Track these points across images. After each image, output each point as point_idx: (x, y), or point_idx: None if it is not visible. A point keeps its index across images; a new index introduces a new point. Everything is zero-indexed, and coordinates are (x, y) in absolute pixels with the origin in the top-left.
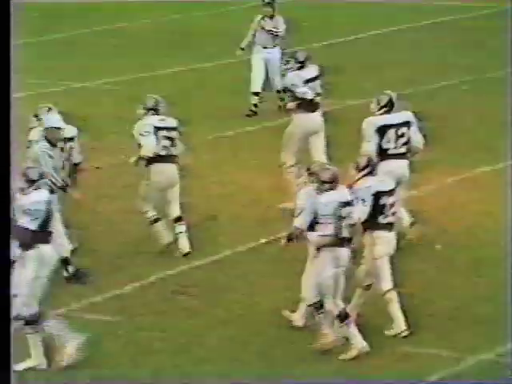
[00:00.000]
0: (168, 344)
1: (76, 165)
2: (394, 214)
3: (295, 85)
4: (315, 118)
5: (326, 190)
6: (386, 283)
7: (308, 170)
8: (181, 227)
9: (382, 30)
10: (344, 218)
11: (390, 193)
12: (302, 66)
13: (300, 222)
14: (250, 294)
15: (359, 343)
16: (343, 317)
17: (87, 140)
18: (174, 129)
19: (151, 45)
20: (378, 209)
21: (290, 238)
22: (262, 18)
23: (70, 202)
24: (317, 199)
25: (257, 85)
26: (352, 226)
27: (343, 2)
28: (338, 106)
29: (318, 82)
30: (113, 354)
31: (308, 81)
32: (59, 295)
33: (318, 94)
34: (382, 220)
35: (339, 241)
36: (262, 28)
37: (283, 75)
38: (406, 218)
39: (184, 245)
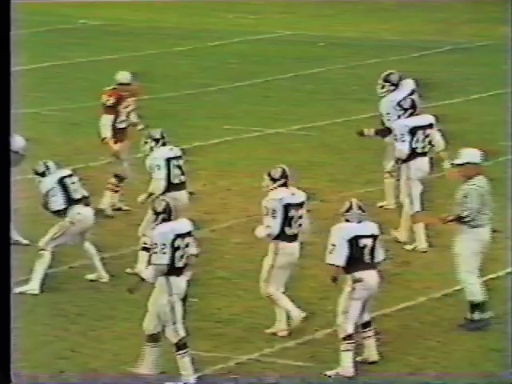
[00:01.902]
0: None
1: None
2: (300, 225)
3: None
4: None
5: (162, 221)
6: (272, 288)
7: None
8: None
9: None
10: (179, 248)
11: (300, 205)
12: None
13: (340, 259)
14: (445, 341)
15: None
16: (181, 346)
17: None
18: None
19: (346, 90)
20: (285, 221)
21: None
22: None
23: None
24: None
25: None
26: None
27: None
28: None
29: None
30: None
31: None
32: (253, 340)
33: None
34: (287, 231)
35: (175, 270)
36: None
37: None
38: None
39: None
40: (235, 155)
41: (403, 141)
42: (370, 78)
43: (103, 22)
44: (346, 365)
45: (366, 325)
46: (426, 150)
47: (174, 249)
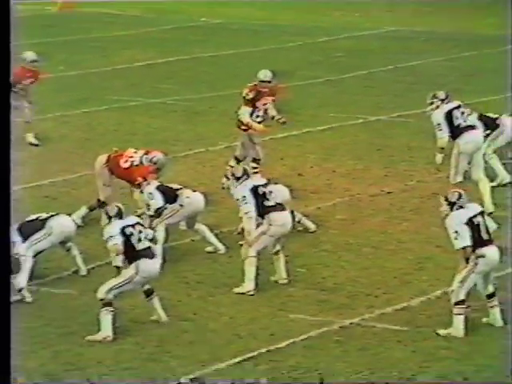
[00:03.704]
0: (452, 352)
1: None
2: (275, 197)
3: None
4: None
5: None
6: (254, 251)
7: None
8: None
9: None
10: (132, 234)
11: (265, 185)
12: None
13: (466, 240)
14: None
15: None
16: (106, 304)
17: (380, 168)
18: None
19: (442, 81)
20: (259, 198)
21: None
22: None
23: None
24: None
25: None
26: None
27: None
28: None
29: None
30: (401, 360)
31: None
32: (354, 306)
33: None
34: (267, 203)
35: (139, 253)
36: None
37: None
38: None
39: None
40: (340, 140)
41: (440, 130)
42: (466, 70)
43: (223, 20)
44: (459, 327)
45: (492, 295)
46: (470, 123)
47: (127, 236)
